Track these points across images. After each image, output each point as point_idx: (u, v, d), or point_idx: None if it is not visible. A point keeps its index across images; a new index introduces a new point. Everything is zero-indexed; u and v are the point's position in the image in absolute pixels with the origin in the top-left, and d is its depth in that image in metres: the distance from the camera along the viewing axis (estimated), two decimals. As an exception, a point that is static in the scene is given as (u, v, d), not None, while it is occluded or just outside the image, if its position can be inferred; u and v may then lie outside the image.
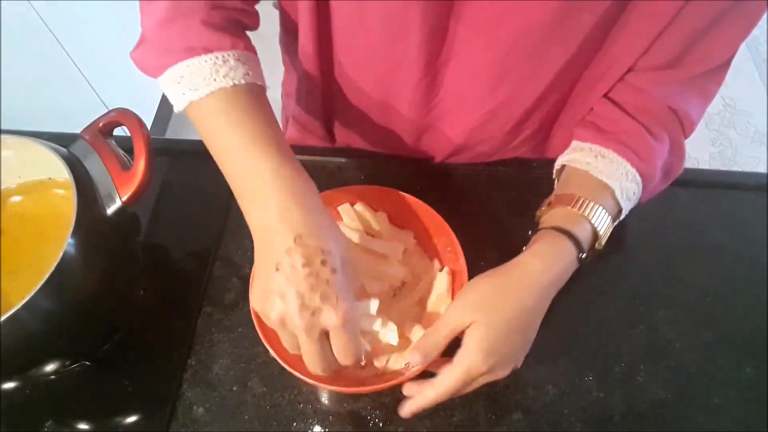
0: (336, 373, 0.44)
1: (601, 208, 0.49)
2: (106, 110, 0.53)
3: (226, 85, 0.45)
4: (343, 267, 0.41)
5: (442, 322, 0.46)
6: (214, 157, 0.47)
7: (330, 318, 0.39)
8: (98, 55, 1.46)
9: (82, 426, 0.53)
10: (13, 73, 1.22)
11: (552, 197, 0.52)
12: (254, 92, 0.47)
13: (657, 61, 0.50)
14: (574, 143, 0.55)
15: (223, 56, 0.46)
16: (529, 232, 0.52)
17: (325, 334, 0.41)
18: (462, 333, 0.45)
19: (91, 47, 1.44)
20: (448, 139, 0.63)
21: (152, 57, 0.48)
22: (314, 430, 0.52)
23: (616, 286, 0.61)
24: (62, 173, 0.48)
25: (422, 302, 0.54)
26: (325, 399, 0.54)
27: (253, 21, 0.52)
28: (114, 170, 0.51)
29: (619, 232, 0.64)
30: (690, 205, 0.67)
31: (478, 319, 0.44)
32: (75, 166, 0.49)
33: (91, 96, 1.48)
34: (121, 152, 0.53)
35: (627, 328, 0.58)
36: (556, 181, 0.57)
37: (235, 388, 0.54)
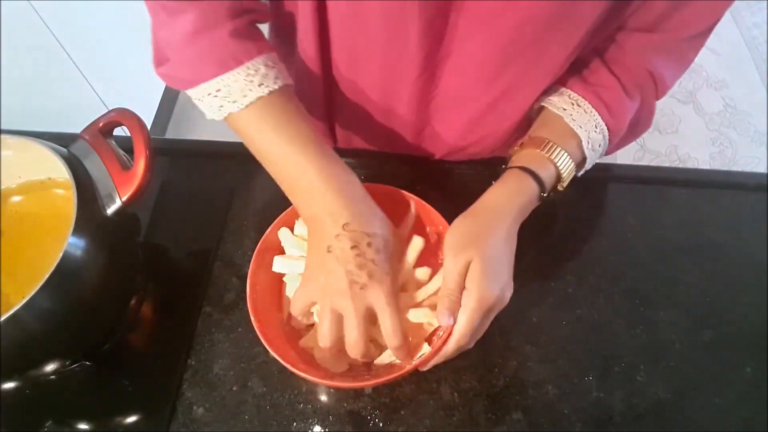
0: (332, 372, 0.45)
1: (566, 153, 0.53)
2: (106, 110, 0.53)
3: (262, 93, 0.47)
4: (386, 247, 0.47)
5: (446, 274, 0.47)
6: (260, 160, 0.50)
7: (376, 292, 0.45)
8: (98, 55, 1.46)
9: (82, 426, 0.53)
10: (13, 73, 1.22)
11: (525, 138, 0.56)
12: (286, 94, 0.50)
13: (642, 22, 0.51)
14: (556, 86, 0.57)
15: (254, 65, 0.48)
16: (502, 166, 0.55)
17: (370, 319, 0.45)
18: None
19: (91, 47, 1.43)
20: (448, 133, 0.63)
21: (183, 72, 0.49)
22: (314, 430, 0.52)
23: (616, 286, 0.61)
24: (62, 173, 0.48)
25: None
26: (324, 399, 0.54)
27: (265, 16, 0.53)
28: (114, 170, 0.51)
29: (619, 231, 0.65)
30: (690, 205, 0.67)
31: (473, 254, 0.46)
32: (75, 166, 0.49)
33: (91, 96, 1.48)
34: (121, 152, 0.53)
35: (627, 328, 0.58)
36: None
37: (235, 388, 0.54)
